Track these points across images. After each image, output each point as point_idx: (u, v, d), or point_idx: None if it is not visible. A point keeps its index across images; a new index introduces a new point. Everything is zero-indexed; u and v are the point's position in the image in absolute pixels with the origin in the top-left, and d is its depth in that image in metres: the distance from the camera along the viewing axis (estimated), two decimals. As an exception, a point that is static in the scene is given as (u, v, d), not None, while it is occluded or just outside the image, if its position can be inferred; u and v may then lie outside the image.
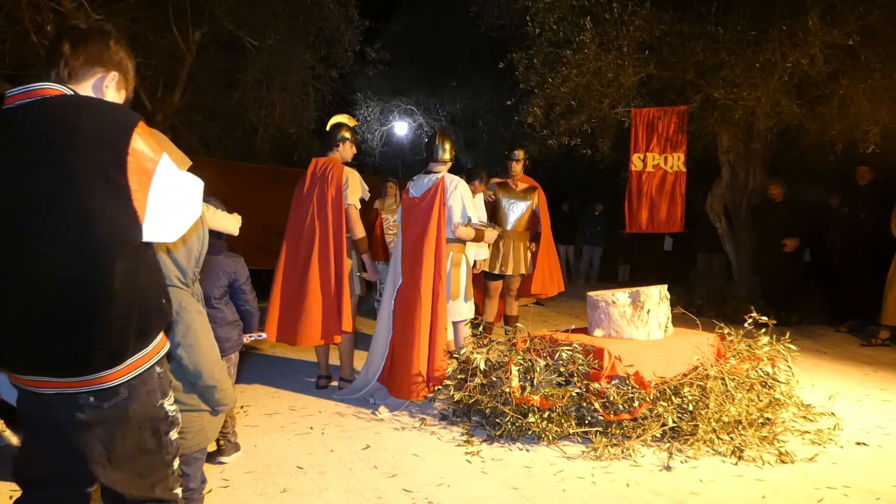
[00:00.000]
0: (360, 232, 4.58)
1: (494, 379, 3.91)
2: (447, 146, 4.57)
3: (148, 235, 1.57)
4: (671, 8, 6.80)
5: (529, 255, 5.95)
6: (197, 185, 1.68)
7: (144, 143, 1.56)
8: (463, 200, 4.42)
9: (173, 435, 1.76)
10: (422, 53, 13.54)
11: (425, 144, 4.70)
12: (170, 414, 1.74)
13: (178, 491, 1.82)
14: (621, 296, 4.18)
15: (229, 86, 10.03)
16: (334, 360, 5.01)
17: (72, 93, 1.61)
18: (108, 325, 1.55)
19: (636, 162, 7.42)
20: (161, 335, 1.72)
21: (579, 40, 6.61)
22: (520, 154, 5.97)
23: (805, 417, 3.96)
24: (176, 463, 1.79)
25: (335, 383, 4.82)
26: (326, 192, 4.53)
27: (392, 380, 4.41)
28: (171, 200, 1.59)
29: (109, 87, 1.73)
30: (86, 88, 1.68)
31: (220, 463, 3.34)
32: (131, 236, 1.54)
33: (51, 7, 6.67)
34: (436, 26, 13.34)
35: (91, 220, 1.49)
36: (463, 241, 4.54)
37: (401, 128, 15.57)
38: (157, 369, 1.70)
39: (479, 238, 4.55)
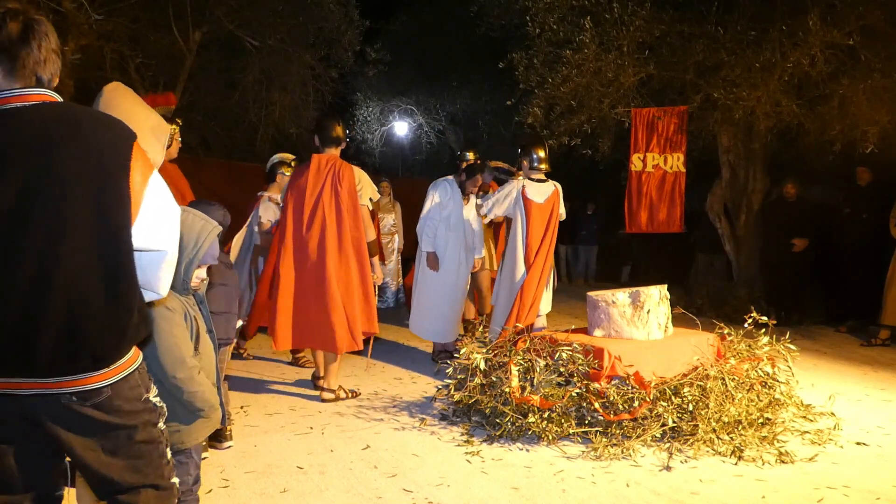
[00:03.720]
0: (371, 234, 4.52)
1: (494, 379, 3.91)
2: (544, 154, 5.15)
3: (137, 241, 1.61)
4: (671, 8, 6.80)
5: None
6: (176, 207, 1.74)
7: (142, 155, 1.63)
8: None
9: (161, 424, 1.78)
10: (422, 53, 13.53)
11: (529, 151, 5.14)
12: (157, 405, 1.77)
13: (176, 480, 1.82)
14: (621, 296, 4.18)
15: (229, 86, 10.03)
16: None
17: (61, 100, 1.62)
18: (103, 329, 1.57)
19: (636, 162, 7.42)
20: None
21: (579, 40, 6.60)
22: (471, 156, 6.22)
23: (805, 417, 3.97)
24: (170, 452, 1.81)
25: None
26: (339, 192, 4.38)
27: None
28: (159, 209, 1.66)
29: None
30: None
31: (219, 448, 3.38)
32: (129, 239, 1.59)
33: (51, 7, 6.66)
34: (436, 26, 13.33)
35: (99, 224, 1.54)
36: None
37: (401, 128, 15.58)
38: (139, 369, 1.73)
39: None
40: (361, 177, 4.51)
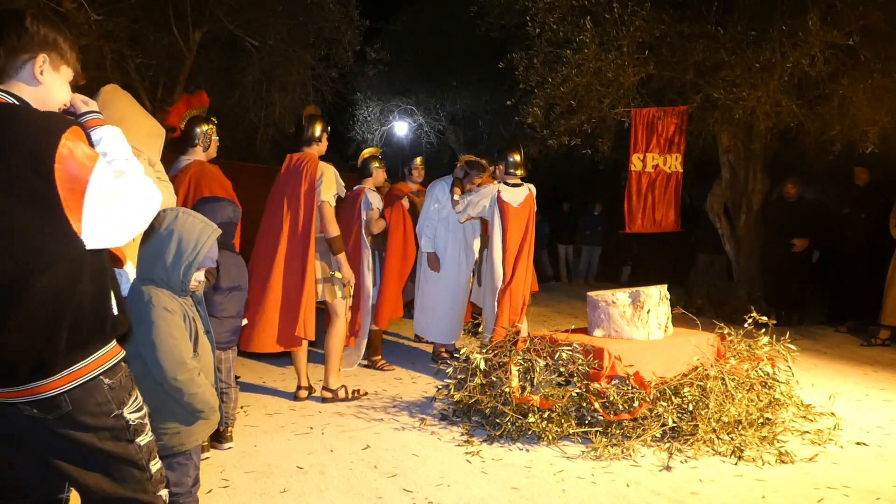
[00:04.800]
0: (334, 230, 4.28)
1: (494, 379, 3.91)
2: (520, 159, 5.14)
3: (92, 242, 1.53)
4: (671, 8, 6.80)
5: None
6: (144, 183, 1.60)
7: (75, 150, 1.49)
8: None
9: (142, 440, 1.70)
10: (422, 53, 13.54)
11: (505, 155, 5.15)
12: (131, 422, 1.67)
13: (164, 493, 1.78)
14: (621, 296, 4.18)
15: (229, 86, 10.03)
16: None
17: (12, 99, 1.55)
18: (28, 337, 1.50)
19: (636, 162, 7.41)
20: (109, 347, 1.65)
21: (579, 40, 6.61)
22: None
23: (805, 417, 3.97)
24: (154, 466, 1.74)
25: (317, 394, 4.53)
26: (299, 187, 4.24)
27: None
28: (112, 205, 1.53)
29: (44, 72, 1.60)
30: (18, 84, 1.59)
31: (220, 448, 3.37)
32: (64, 249, 1.50)
33: (51, 7, 6.67)
34: (436, 26, 13.34)
35: (13, 237, 1.46)
36: None
37: (401, 128, 15.58)
38: (107, 381, 1.62)
39: None
40: (325, 172, 4.28)
